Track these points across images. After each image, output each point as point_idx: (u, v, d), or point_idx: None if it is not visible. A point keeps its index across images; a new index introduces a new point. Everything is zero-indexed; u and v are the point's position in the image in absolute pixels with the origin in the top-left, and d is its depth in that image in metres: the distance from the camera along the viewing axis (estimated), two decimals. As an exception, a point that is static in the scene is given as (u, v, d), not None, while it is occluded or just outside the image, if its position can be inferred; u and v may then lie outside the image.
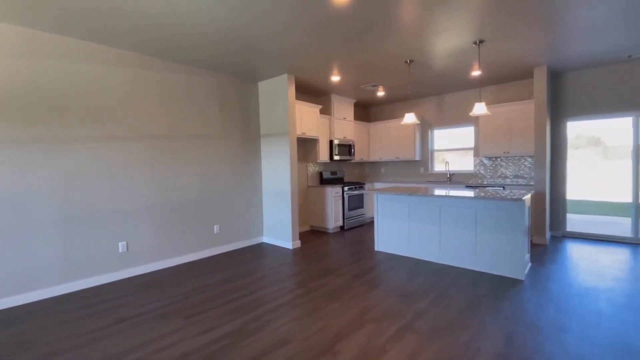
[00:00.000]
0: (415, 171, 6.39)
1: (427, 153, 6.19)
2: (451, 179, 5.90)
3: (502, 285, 3.04)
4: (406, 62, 4.00)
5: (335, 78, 4.62)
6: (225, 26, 2.90)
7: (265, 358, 1.97)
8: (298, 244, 4.58)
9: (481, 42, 3.40)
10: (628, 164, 4.37)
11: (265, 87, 4.67)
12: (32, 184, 2.89)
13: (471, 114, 3.66)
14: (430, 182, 5.91)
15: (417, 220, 3.90)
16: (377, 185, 6.43)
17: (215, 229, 4.32)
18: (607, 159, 4.68)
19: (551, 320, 2.36)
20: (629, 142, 4.36)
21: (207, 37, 3.13)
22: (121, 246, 3.47)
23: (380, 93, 5.68)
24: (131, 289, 3.14)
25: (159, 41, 3.21)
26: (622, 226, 4.50)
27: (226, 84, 4.39)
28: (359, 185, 5.91)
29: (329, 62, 3.93)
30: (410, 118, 4.10)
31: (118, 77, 3.41)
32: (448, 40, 3.37)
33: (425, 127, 6.19)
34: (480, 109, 3.55)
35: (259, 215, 4.87)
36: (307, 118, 5.09)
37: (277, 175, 4.59)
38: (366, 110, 7.17)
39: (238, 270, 3.63)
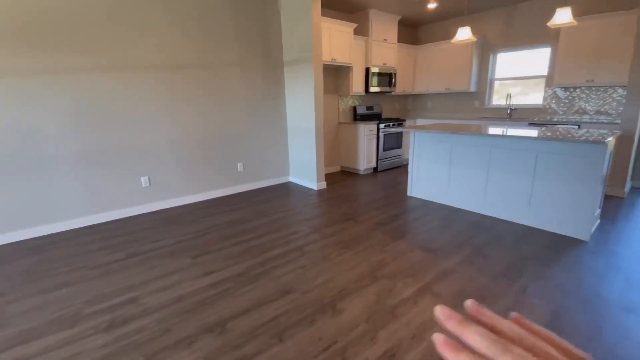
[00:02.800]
0: (468, 105, 5.43)
1: (484, 83, 5.13)
2: (512, 114, 4.90)
3: (558, 247, 2.49)
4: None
5: (371, -15, 3.71)
6: None
7: (258, 310, 1.81)
8: (323, 185, 4.29)
9: None
10: None
11: (288, 2, 3.94)
12: (46, 118, 2.82)
13: (550, 23, 2.70)
14: (485, 118, 5.00)
15: (460, 164, 3.29)
16: (420, 121, 5.66)
17: (239, 166, 4.15)
18: None
19: (616, 297, 1.85)
20: None
21: None
22: (143, 181, 3.46)
23: (432, 5, 4.56)
24: (150, 224, 3.18)
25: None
26: None
27: (243, 1, 3.76)
28: (398, 122, 5.22)
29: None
30: (464, 34, 3.21)
31: (115, -7, 3.00)
32: None
33: (485, 49, 5.03)
34: (563, 16, 2.58)
35: (284, 153, 4.58)
36: (337, 40, 4.33)
37: (302, 110, 4.12)
38: (413, 31, 6.00)
39: (256, 209, 3.50)
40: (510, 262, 2.27)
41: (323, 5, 4.43)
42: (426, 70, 5.59)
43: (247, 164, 4.22)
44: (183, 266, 2.33)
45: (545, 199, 2.73)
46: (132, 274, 2.24)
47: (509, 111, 4.87)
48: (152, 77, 3.33)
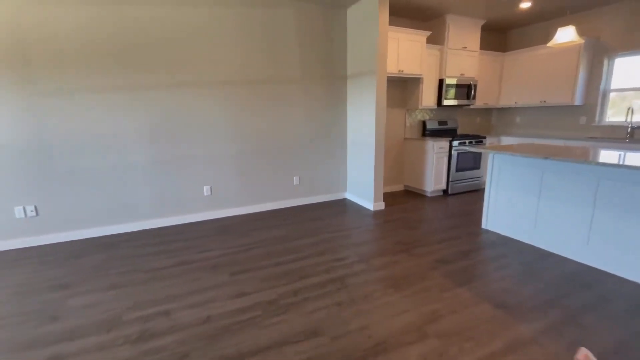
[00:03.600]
0: (570, 122, 4.46)
1: (594, 95, 4.15)
2: (634, 135, 3.83)
3: None
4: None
5: (449, -13, 3.31)
6: None
7: (279, 349, 1.62)
8: (381, 205, 3.94)
9: None
10: None
11: (354, 14, 3.79)
12: (126, 128, 3.17)
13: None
14: (594, 138, 4.02)
15: (552, 196, 2.63)
16: (506, 140, 4.86)
17: (295, 180, 4.10)
18: None
19: None
20: None
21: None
22: (206, 189, 3.65)
23: (526, 4, 3.89)
24: (205, 232, 3.29)
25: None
26: None
27: (307, 14, 3.74)
28: (477, 139, 4.56)
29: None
30: (566, 35, 2.58)
31: (198, 18, 3.25)
32: None
33: (598, 54, 4.07)
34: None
35: (342, 169, 4.38)
36: (407, 50, 3.99)
37: (362, 124, 3.88)
38: (500, 36, 5.24)
39: (305, 227, 3.35)
40: (621, 341, 1.64)
41: (393, 14, 4.16)
42: (515, 80, 4.80)
43: (303, 178, 4.14)
44: (221, 283, 2.29)
45: (687, 257, 1.94)
46: (175, 284, 2.28)
47: (629, 130, 3.81)
48: (219, 93, 3.50)
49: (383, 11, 3.37)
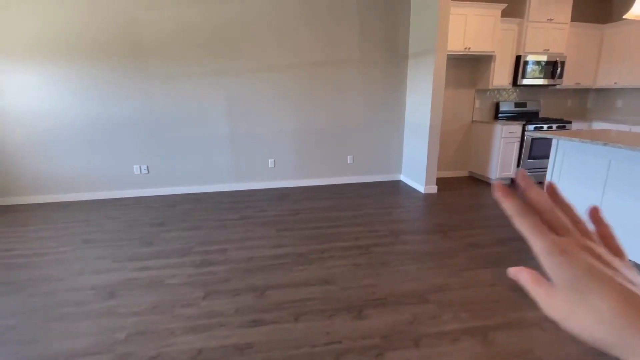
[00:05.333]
0: (695, 106, 3.57)
1: None
2: None
3: None
4: None
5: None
6: None
7: (296, 288, 2.00)
8: (434, 189, 3.91)
9: None
10: None
11: (419, -8, 3.71)
12: (209, 105, 3.88)
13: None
14: None
15: (619, 190, 2.32)
16: (599, 126, 4.15)
17: (349, 159, 4.36)
18: None
19: None
20: None
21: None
22: (270, 162, 4.21)
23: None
24: (266, 197, 3.85)
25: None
26: None
27: (371, -4, 3.83)
28: (561, 124, 4.04)
29: None
30: (659, 0, 2.16)
31: (266, 8, 3.69)
32: None
33: None
34: None
35: (398, 150, 4.44)
36: (476, 26, 3.74)
37: (419, 105, 3.86)
38: (604, 4, 4.35)
39: (352, 202, 3.62)
40: None
41: (467, -12, 3.90)
42: (618, 57, 4.00)
43: (356, 157, 4.36)
44: (268, 235, 2.78)
45: None
46: (235, 232, 2.86)
47: None
48: (283, 76, 3.93)
49: (445, -13, 3.25)
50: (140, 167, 3.90)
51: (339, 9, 3.83)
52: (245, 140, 4.06)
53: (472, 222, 3.00)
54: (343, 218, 3.15)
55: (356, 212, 3.30)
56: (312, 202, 3.65)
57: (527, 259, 2.31)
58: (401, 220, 3.09)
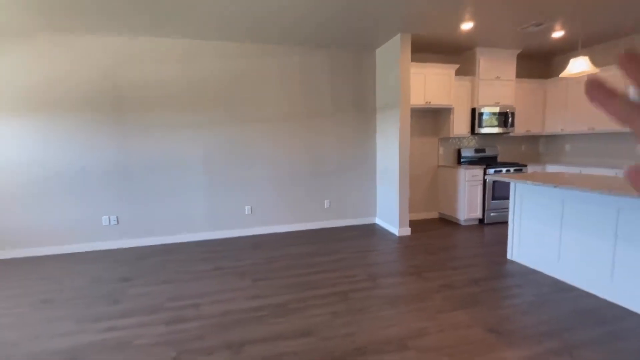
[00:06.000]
0: (624, 150, 4.07)
1: (654, 120, 3.77)
2: None
3: None
4: (579, -26, 2.48)
5: (467, 25, 3.50)
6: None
7: (274, 342, 1.92)
8: (407, 231, 4.03)
9: None
10: None
11: (382, 54, 4.17)
12: (186, 154, 3.93)
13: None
14: (653, 168, 3.62)
15: (574, 226, 2.53)
16: (552, 168, 4.58)
17: (326, 203, 4.45)
18: None
19: None
20: None
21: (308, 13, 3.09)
22: (247, 209, 4.20)
23: (558, 34, 3.84)
24: (242, 245, 3.79)
25: (275, 29, 3.45)
26: None
27: (339, 58, 4.24)
28: (517, 167, 4.42)
29: (453, 1, 3.00)
30: (579, 66, 2.58)
31: (247, 67, 3.97)
32: None
33: (656, 76, 3.74)
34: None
35: (372, 194, 4.61)
36: (434, 83, 4.19)
37: (389, 152, 4.12)
38: (545, 63, 5.09)
39: (328, 246, 3.63)
40: (617, 380, 1.57)
41: (423, 50, 4.43)
42: (561, 107, 4.57)
43: (333, 202, 4.47)
44: (244, 286, 2.70)
45: None
46: (208, 284, 2.75)
47: (697, 159, 3.37)
48: (261, 126, 4.11)
49: (405, 51, 3.69)
50: (109, 217, 3.77)
51: (314, 69, 4.18)
52: (222, 187, 4.08)
53: (445, 263, 3.09)
54: (321, 264, 3.14)
55: (334, 257, 3.30)
56: (289, 248, 3.63)
57: (501, 297, 2.39)
58: (378, 263, 3.13)
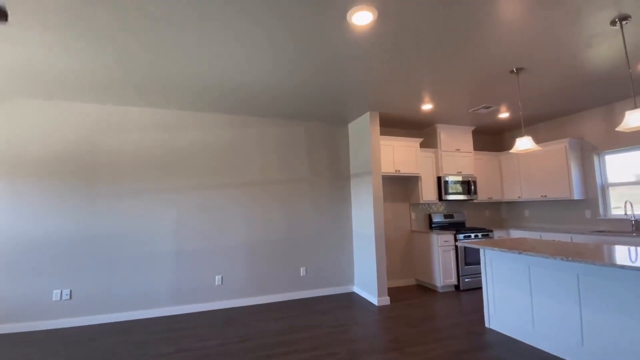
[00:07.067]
0: (576, 216, 4.45)
1: (594, 190, 4.23)
2: (639, 227, 3.74)
3: None
4: (512, 71, 3.00)
5: (427, 107, 3.98)
6: (290, 85, 3.07)
7: None
8: (386, 300, 3.93)
9: (623, 19, 2.15)
10: None
11: (354, 127, 4.55)
12: (158, 222, 3.79)
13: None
14: (602, 232, 3.94)
15: (542, 292, 2.60)
16: (515, 233, 4.85)
17: (302, 271, 4.31)
18: None
19: None
20: None
21: (280, 92, 3.40)
22: (217, 279, 3.96)
23: (504, 115, 4.45)
24: (210, 321, 3.48)
25: (255, 103, 3.73)
26: None
27: (315, 130, 4.57)
28: (483, 232, 4.63)
29: (414, 88, 3.44)
30: (524, 144, 2.95)
31: (226, 137, 4.15)
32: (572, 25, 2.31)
33: (586, 152, 4.32)
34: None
35: (349, 262, 4.56)
36: (402, 154, 4.55)
37: (364, 219, 4.22)
38: (497, 138, 5.76)
39: (305, 321, 3.42)
40: None
41: (390, 125, 4.89)
42: (516, 177, 5.05)
43: (309, 269, 4.35)
44: (210, 372, 2.41)
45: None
46: (169, 371, 2.43)
47: (633, 223, 3.74)
48: (236, 192, 4.13)
49: (374, 127, 4.07)
50: (61, 292, 3.39)
51: (290, 139, 4.44)
52: (191, 256, 3.88)
53: (426, 335, 2.98)
54: (297, 341, 2.91)
55: (312, 333, 3.09)
56: (263, 324, 3.37)
57: (483, 373, 2.29)
58: (358, 338, 2.95)
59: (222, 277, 3.98)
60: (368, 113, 4.11)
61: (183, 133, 3.99)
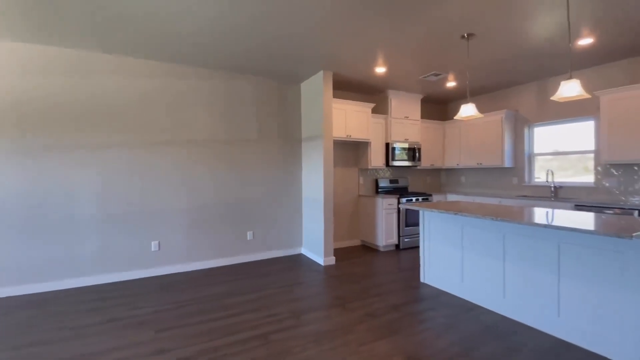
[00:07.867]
0: (505, 182, 4.91)
1: (522, 159, 4.66)
2: (557, 193, 4.25)
3: (596, 378, 1.82)
4: (463, 37, 3.00)
5: (381, 70, 3.90)
6: (246, 27, 2.70)
7: (176, 409, 1.59)
8: (332, 260, 4.03)
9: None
10: None
11: (306, 88, 4.33)
12: (79, 184, 3.31)
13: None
14: (525, 196, 4.40)
15: (472, 249, 2.84)
16: (452, 197, 5.22)
17: (249, 235, 4.20)
18: None
19: None
20: None
21: (224, 35, 3.01)
22: (153, 245, 3.68)
23: (451, 84, 4.57)
24: (145, 289, 3.25)
25: (190, 49, 3.27)
26: None
27: (264, 87, 4.25)
28: (424, 196, 4.90)
29: (368, 48, 3.29)
30: (467, 111, 3.05)
31: (166, 88, 3.65)
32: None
33: (519, 124, 4.68)
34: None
35: (298, 225, 4.54)
36: (354, 119, 4.49)
37: (314, 183, 4.17)
38: (443, 107, 5.98)
39: (250, 283, 3.37)
40: (516, 393, 1.70)
41: (343, 88, 4.76)
42: (456, 145, 5.34)
43: (257, 233, 4.25)
44: (143, 340, 2.26)
45: (581, 307, 2.11)
46: (97, 342, 2.23)
47: (553, 189, 4.24)
48: (175, 150, 3.76)
49: (327, 88, 3.90)
50: (-45, 264, 2.86)
51: (238, 96, 4.08)
52: (121, 220, 3.51)
53: (367, 291, 3.13)
54: (239, 304, 2.86)
55: (255, 295, 3.06)
56: (203, 289, 3.25)
57: (417, 322, 2.47)
58: (302, 297, 2.99)
59: (159, 242, 3.70)
60: (321, 72, 3.91)
61: (105, 80, 3.41)
